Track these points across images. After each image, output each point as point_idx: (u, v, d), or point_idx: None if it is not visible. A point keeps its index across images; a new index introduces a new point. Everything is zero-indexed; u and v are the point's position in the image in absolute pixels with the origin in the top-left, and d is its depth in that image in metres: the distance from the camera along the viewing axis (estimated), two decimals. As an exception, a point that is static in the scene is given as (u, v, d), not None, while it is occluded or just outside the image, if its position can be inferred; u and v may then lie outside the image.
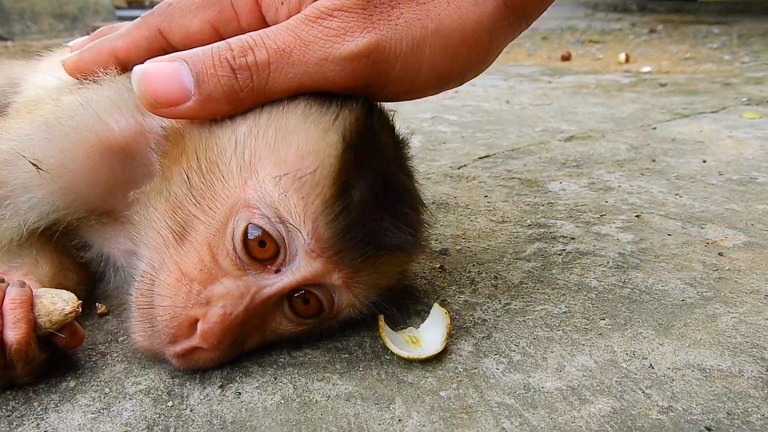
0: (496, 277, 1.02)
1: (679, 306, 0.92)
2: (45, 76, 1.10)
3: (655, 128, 2.08)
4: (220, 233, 0.72)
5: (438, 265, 1.06)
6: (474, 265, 1.07)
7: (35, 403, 0.71)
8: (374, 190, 0.74)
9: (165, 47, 0.81)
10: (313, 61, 0.70)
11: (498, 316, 0.90)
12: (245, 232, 0.71)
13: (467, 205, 1.36)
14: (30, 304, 0.71)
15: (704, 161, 1.68)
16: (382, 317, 0.82)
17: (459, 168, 1.65)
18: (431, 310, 0.87)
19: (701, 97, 2.64)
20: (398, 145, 0.86)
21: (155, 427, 0.68)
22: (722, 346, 0.82)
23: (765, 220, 1.25)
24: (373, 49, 0.71)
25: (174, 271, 0.73)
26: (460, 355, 0.81)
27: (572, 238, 1.17)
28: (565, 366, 0.79)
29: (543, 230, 1.21)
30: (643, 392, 0.73)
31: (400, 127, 0.89)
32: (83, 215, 0.85)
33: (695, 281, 0.99)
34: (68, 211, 0.83)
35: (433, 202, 1.37)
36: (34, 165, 0.77)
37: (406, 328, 0.86)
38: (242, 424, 0.69)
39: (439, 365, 0.79)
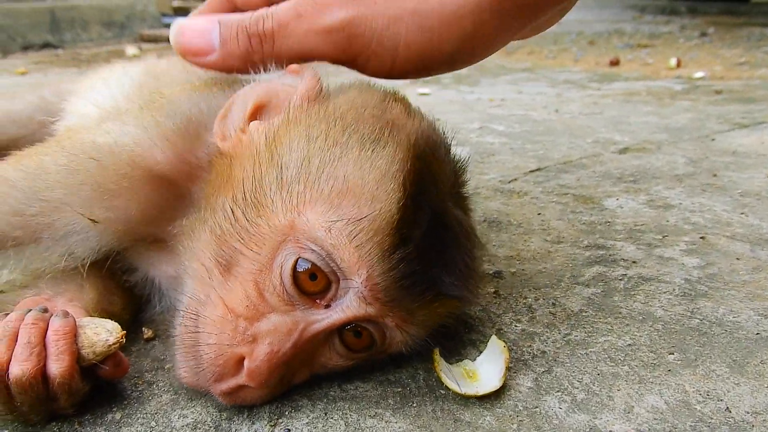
0: (554, 304, 0.97)
1: (753, 340, 0.86)
2: (86, 104, 1.10)
3: (713, 139, 1.99)
4: (267, 269, 0.69)
5: (492, 290, 1.01)
6: (530, 289, 1.02)
7: (80, 437, 0.69)
8: (431, 236, 0.71)
9: (233, 10, 0.88)
10: (302, 32, 0.78)
11: (558, 348, 0.85)
12: (294, 266, 0.68)
13: (520, 224, 1.30)
14: (73, 335, 0.69)
15: (769, 176, 1.60)
16: (437, 351, 0.78)
17: (509, 182, 1.60)
18: (488, 342, 0.82)
19: (759, 106, 2.53)
20: (456, 174, 0.83)
21: (202, 468, 0.65)
22: (806, 388, 0.76)
23: (841, 243, 1.17)
24: (348, 23, 0.76)
25: (219, 307, 0.70)
26: (520, 392, 0.76)
27: (633, 262, 1.11)
28: (633, 407, 0.73)
29: (602, 252, 1.16)
30: (723, 440, 0.68)
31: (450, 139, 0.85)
32: (130, 245, 0.84)
33: (770, 312, 0.93)
34: (117, 245, 0.82)
35: (485, 220, 1.32)
36: (91, 220, 0.78)
37: (461, 360, 0.82)
38: (292, 466, 0.65)
39: (498, 402, 0.75)
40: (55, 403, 0.69)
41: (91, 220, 0.77)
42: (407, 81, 1.70)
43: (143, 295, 0.91)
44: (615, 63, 4.04)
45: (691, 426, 0.70)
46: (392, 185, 0.69)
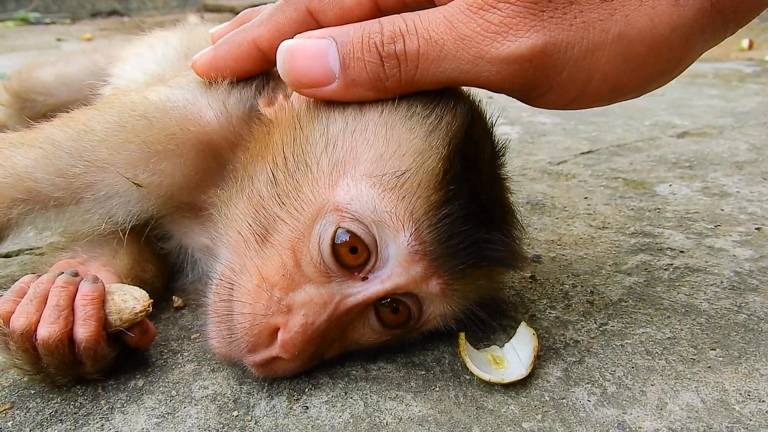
0: (592, 292, 0.93)
1: (804, 340, 0.81)
2: (134, 70, 1.10)
3: (781, 126, 1.89)
4: (305, 237, 0.68)
5: (529, 275, 0.99)
6: (568, 276, 0.98)
7: (102, 401, 0.70)
8: (474, 202, 0.69)
9: (313, 28, 0.72)
10: (467, 58, 0.62)
11: (592, 338, 0.82)
12: (334, 237, 0.67)
13: (565, 207, 1.26)
14: (101, 301, 0.70)
15: (838, 166, 1.51)
16: (463, 335, 0.76)
17: (558, 164, 1.55)
18: (518, 329, 0.80)
19: (836, 91, 2.39)
20: (496, 155, 0.80)
21: (218, 439, 0.65)
22: None
23: None
24: (539, 52, 0.61)
25: (255, 276, 0.69)
26: (548, 381, 0.74)
27: (681, 251, 1.06)
28: (667, 403, 0.70)
29: (648, 240, 1.11)
30: (759, 445, 0.64)
31: (498, 117, 0.83)
32: (168, 212, 0.84)
33: (825, 311, 0.87)
34: (156, 211, 0.82)
35: (528, 202, 1.28)
36: (135, 184, 0.77)
37: (489, 346, 0.80)
38: (307, 443, 0.65)
39: (524, 391, 0.72)
40: (81, 367, 0.70)
41: (135, 183, 0.77)
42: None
43: (176, 263, 0.92)
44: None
45: (727, 427, 0.67)
46: (438, 142, 0.68)
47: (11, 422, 0.67)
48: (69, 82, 1.50)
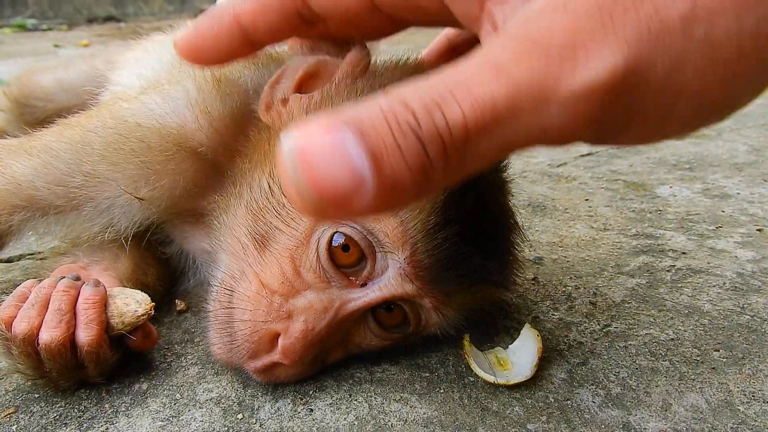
0: (595, 294, 0.93)
1: (808, 340, 0.81)
2: (130, 75, 1.09)
3: (779, 127, 1.90)
4: (304, 244, 0.68)
5: (531, 276, 0.98)
6: (571, 278, 0.98)
7: (107, 405, 0.70)
8: (473, 219, 0.69)
9: (300, 9, 0.59)
10: (530, 107, 0.41)
11: (596, 340, 0.82)
12: (330, 240, 0.67)
13: (566, 209, 1.26)
14: (103, 304, 0.69)
15: (838, 167, 1.51)
16: (467, 337, 0.76)
17: (558, 166, 1.55)
18: (522, 331, 0.80)
19: (833, 93, 2.39)
20: (499, 164, 0.80)
21: (223, 443, 0.65)
22: None
23: None
24: (622, 74, 0.41)
25: (254, 283, 0.69)
26: (552, 383, 0.74)
27: (683, 253, 1.06)
28: (671, 405, 0.70)
29: (650, 242, 1.11)
30: (765, 445, 0.64)
31: None
32: (169, 217, 0.84)
33: (828, 311, 0.87)
34: (157, 218, 0.82)
35: (529, 204, 1.28)
36: (138, 198, 0.77)
37: (493, 348, 0.80)
38: (312, 446, 0.65)
39: (528, 393, 0.72)
40: (84, 371, 0.70)
41: (136, 197, 0.78)
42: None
43: (178, 267, 0.92)
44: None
45: (732, 428, 0.67)
46: None
47: (15, 426, 0.67)
48: (68, 87, 1.50)
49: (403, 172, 0.41)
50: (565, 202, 1.30)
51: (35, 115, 1.53)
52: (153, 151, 0.76)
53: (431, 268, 0.67)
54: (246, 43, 0.61)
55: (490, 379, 0.72)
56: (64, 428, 0.66)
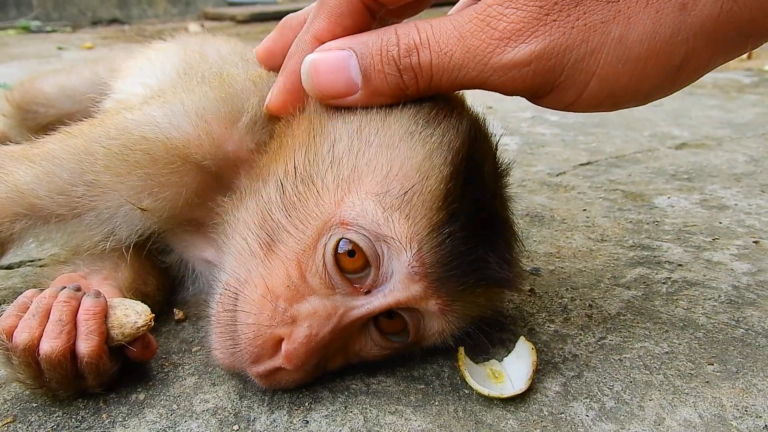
0: (590, 306, 0.94)
1: (801, 355, 0.82)
2: (134, 83, 1.10)
3: (779, 137, 1.90)
4: (311, 249, 0.69)
5: (528, 288, 0.99)
6: (567, 289, 0.99)
7: (104, 415, 0.71)
8: (476, 221, 0.70)
9: (368, 4, 0.74)
10: (473, 66, 0.65)
11: (591, 352, 0.83)
12: (336, 246, 0.68)
13: (563, 219, 1.27)
14: (103, 315, 0.70)
15: (836, 179, 1.51)
16: (462, 349, 0.77)
17: (557, 175, 1.56)
18: (517, 343, 0.80)
19: (834, 102, 2.40)
20: (499, 173, 0.81)
21: (219, 454, 0.66)
22: None
23: None
24: (538, 56, 0.63)
25: (260, 287, 0.70)
26: (546, 396, 0.74)
27: (679, 265, 1.07)
28: (664, 419, 0.71)
29: (646, 253, 1.12)
30: (756, 461, 0.65)
31: (499, 128, 0.84)
32: (170, 227, 0.85)
33: (822, 326, 0.88)
34: (158, 227, 0.83)
35: (527, 214, 1.29)
36: (141, 209, 0.78)
37: (488, 360, 0.80)
38: (307, 458, 0.65)
39: (523, 406, 0.73)
40: (83, 381, 0.71)
41: (139, 208, 0.78)
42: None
43: (177, 276, 0.93)
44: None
45: (724, 443, 0.67)
46: (441, 161, 0.69)
47: (13, 436, 0.67)
48: (71, 93, 1.51)
49: (384, 86, 0.69)
50: (563, 212, 1.31)
51: (37, 121, 1.54)
52: (158, 164, 0.77)
53: (438, 264, 0.67)
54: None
55: (485, 391, 0.73)
56: (63, 438, 0.67)
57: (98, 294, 0.72)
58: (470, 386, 0.74)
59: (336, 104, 0.72)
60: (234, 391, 0.75)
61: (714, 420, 0.70)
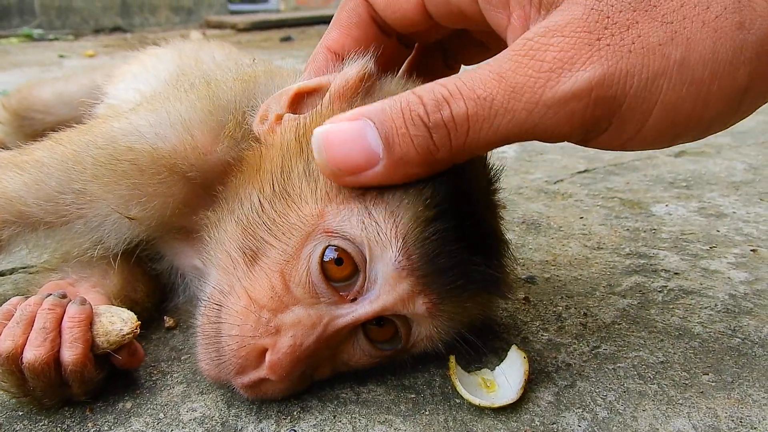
0: (585, 314, 0.93)
1: (798, 365, 0.80)
2: (127, 89, 1.10)
3: (778, 145, 1.89)
4: (294, 259, 0.68)
5: (522, 296, 0.98)
6: (562, 297, 0.98)
7: (89, 424, 0.70)
8: (463, 225, 0.68)
9: (374, 17, 0.73)
10: (520, 108, 0.57)
11: (584, 361, 0.82)
12: (322, 255, 0.67)
13: (560, 227, 1.26)
14: (88, 323, 0.69)
15: (836, 187, 1.50)
16: (453, 358, 0.76)
17: (555, 183, 1.55)
18: (509, 352, 0.79)
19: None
20: (489, 182, 0.80)
21: (204, 464, 0.65)
22: None
23: None
24: (597, 84, 0.56)
25: (243, 298, 0.69)
26: (538, 406, 0.73)
27: (676, 273, 1.06)
28: (658, 429, 0.70)
29: (643, 261, 1.11)
30: (750, 473, 0.64)
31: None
32: (159, 234, 0.84)
33: (820, 335, 0.87)
34: (147, 235, 0.82)
35: (523, 222, 1.28)
36: (129, 218, 0.78)
37: (480, 369, 0.79)
38: (294, 468, 0.64)
39: (514, 416, 0.72)
40: (68, 390, 0.70)
41: (127, 217, 0.78)
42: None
43: (168, 283, 0.92)
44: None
45: (718, 454, 0.66)
46: None
47: (-4, 445, 0.67)
48: (68, 100, 1.51)
49: (411, 152, 0.60)
50: (559, 219, 1.30)
51: (34, 128, 1.54)
52: (145, 174, 0.77)
53: (425, 259, 0.66)
54: (340, 62, 0.75)
55: (476, 401, 0.72)
56: (46, 447, 0.66)
57: (84, 301, 0.71)
58: (461, 395, 0.73)
59: (354, 182, 0.64)
60: (222, 400, 0.74)
61: (708, 431, 0.69)
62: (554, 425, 0.70)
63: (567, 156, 1.79)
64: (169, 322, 0.89)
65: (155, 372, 0.79)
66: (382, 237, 0.65)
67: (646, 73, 0.56)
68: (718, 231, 1.24)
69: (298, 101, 0.75)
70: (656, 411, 0.72)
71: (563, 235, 1.22)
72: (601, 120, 0.59)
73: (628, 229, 1.25)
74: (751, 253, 1.13)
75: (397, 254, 0.65)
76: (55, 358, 0.68)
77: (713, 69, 0.56)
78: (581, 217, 1.31)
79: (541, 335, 0.88)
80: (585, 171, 1.65)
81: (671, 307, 0.95)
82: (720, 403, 0.74)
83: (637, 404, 0.74)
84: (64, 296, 0.72)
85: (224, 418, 0.71)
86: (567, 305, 0.96)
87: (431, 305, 0.68)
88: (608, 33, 0.56)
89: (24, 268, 1.07)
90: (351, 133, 0.61)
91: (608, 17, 0.57)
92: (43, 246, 0.84)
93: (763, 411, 0.72)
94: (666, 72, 0.56)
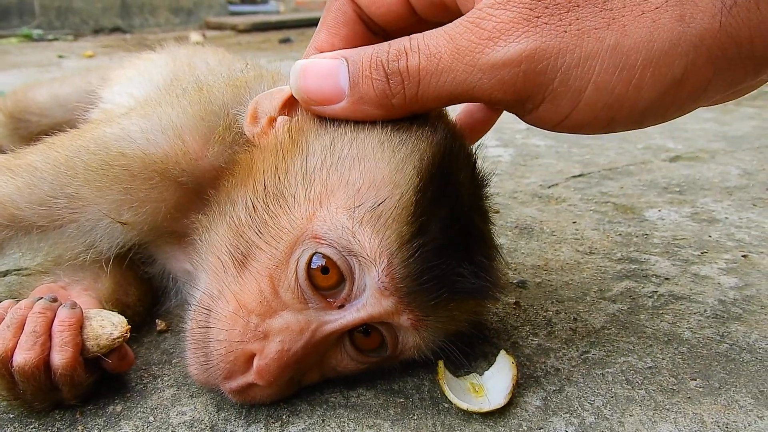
0: (575, 319, 0.93)
1: (785, 371, 0.81)
2: (121, 93, 1.11)
3: (773, 150, 1.90)
4: (283, 264, 0.68)
5: (513, 300, 0.99)
6: (552, 302, 0.98)
7: (79, 427, 0.70)
8: (449, 232, 0.69)
9: (360, 15, 0.74)
10: (461, 68, 0.63)
11: (573, 366, 0.82)
12: (309, 261, 0.67)
13: (553, 232, 1.27)
14: (79, 327, 0.70)
15: (828, 192, 1.51)
16: (442, 363, 0.76)
17: (549, 187, 1.56)
18: (497, 357, 0.80)
19: (830, 116, 2.40)
20: (477, 184, 0.80)
21: (192, 467, 0.65)
22: (835, 428, 0.71)
23: None
24: (528, 56, 0.60)
25: (231, 303, 0.70)
26: (526, 410, 0.74)
27: (666, 279, 1.06)
28: (644, 435, 0.70)
29: (634, 266, 1.11)
30: (734, 479, 0.64)
31: (491, 140, 0.83)
32: (152, 238, 0.85)
33: (807, 341, 0.87)
34: (139, 239, 0.83)
35: (516, 226, 1.29)
36: (121, 223, 0.79)
37: (469, 373, 0.80)
38: (281, 472, 0.65)
39: (502, 420, 0.72)
40: (59, 393, 0.70)
41: (119, 222, 0.79)
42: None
43: (160, 287, 0.92)
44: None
45: (703, 460, 0.67)
46: (411, 171, 0.68)
47: (-14, 448, 0.67)
48: (63, 102, 1.51)
49: (370, 93, 0.67)
50: (552, 224, 1.31)
51: (30, 130, 1.54)
52: (136, 180, 0.77)
53: (408, 278, 0.66)
54: None
55: (464, 406, 0.72)
56: (35, 450, 0.67)
57: (74, 305, 0.72)
58: (450, 400, 0.74)
59: (321, 112, 0.71)
60: (212, 403, 0.74)
61: (694, 436, 0.70)
62: (541, 430, 0.71)
63: (563, 160, 1.79)
64: (160, 325, 0.89)
65: (146, 375, 0.79)
66: (368, 255, 0.66)
67: (579, 54, 0.60)
68: (709, 236, 1.25)
69: (291, 104, 0.76)
70: (643, 416, 0.73)
71: (556, 239, 1.23)
72: (533, 93, 0.63)
73: (620, 234, 1.26)
74: (742, 258, 1.14)
75: (381, 274, 0.66)
76: (45, 362, 0.68)
77: (647, 57, 0.59)
78: (574, 222, 1.32)
79: (531, 340, 0.88)
80: (580, 175, 1.66)
81: (661, 312, 0.95)
82: (707, 408, 0.74)
83: (624, 409, 0.74)
84: (54, 300, 0.72)
85: (214, 421, 0.71)
86: (557, 310, 0.96)
87: (415, 321, 0.69)
88: (548, 12, 0.60)
89: (17, 270, 1.07)
90: (327, 68, 0.68)
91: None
92: (36, 249, 0.84)
93: (749, 417, 0.73)
94: (598, 54, 0.60)
